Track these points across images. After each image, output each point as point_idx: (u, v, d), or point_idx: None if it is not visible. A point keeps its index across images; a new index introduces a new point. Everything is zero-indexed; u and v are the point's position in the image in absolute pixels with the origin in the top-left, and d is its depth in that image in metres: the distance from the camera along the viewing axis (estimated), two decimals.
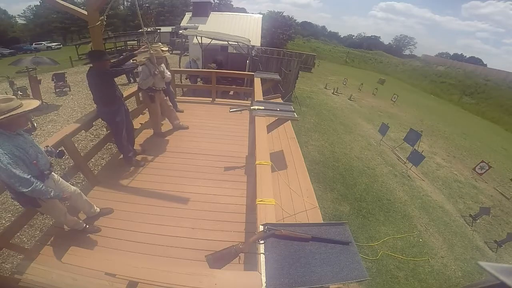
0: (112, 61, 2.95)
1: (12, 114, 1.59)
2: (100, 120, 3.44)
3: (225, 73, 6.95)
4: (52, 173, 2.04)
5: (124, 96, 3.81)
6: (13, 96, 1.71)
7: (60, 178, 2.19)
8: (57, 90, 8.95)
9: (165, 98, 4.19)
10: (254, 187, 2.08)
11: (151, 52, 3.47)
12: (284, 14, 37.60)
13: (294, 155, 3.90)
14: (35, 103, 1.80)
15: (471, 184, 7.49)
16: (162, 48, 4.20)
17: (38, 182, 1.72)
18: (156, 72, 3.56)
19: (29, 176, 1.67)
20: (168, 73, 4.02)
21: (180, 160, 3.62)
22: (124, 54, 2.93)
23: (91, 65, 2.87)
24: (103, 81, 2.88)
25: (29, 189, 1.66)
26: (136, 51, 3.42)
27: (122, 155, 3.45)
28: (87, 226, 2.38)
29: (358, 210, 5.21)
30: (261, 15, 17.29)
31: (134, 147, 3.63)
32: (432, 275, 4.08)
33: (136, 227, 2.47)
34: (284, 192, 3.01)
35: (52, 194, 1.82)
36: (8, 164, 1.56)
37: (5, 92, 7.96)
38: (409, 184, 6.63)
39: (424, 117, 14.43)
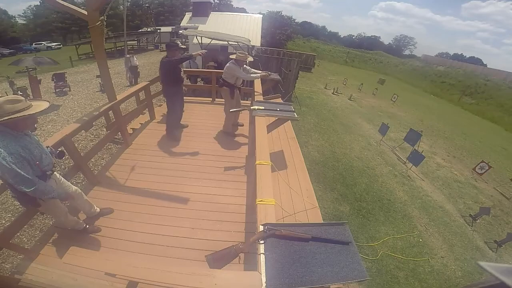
0: (175, 58, 3.64)
1: (17, 117, 1.58)
2: (100, 120, 3.48)
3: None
4: (55, 172, 2.04)
5: (124, 96, 3.88)
6: (22, 98, 1.68)
7: (62, 178, 2.19)
8: (57, 90, 8.96)
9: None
10: (254, 187, 2.07)
11: (240, 55, 4.00)
12: (283, 13, 37.67)
13: (294, 155, 3.90)
14: (44, 105, 1.78)
15: (471, 184, 7.49)
16: (182, 46, 4.54)
17: (41, 182, 1.73)
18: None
19: (32, 176, 1.68)
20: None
21: (180, 160, 3.62)
22: (184, 55, 4.05)
23: (166, 53, 3.66)
24: (172, 67, 3.64)
25: (32, 189, 1.66)
26: (194, 54, 4.09)
27: (166, 129, 4.12)
28: (87, 226, 2.38)
29: (358, 210, 5.21)
30: (261, 15, 17.29)
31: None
32: (432, 275, 4.08)
33: (136, 227, 2.47)
34: (284, 192, 3.01)
35: (53, 194, 1.82)
36: (13, 164, 1.56)
37: (5, 92, 7.96)
38: (409, 184, 6.63)
39: (424, 117, 14.43)
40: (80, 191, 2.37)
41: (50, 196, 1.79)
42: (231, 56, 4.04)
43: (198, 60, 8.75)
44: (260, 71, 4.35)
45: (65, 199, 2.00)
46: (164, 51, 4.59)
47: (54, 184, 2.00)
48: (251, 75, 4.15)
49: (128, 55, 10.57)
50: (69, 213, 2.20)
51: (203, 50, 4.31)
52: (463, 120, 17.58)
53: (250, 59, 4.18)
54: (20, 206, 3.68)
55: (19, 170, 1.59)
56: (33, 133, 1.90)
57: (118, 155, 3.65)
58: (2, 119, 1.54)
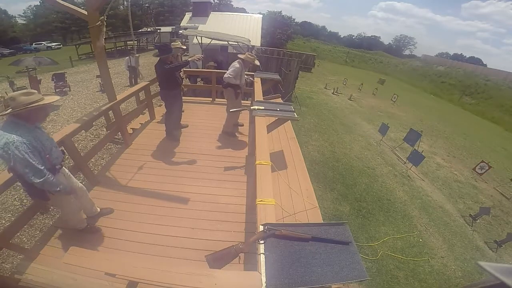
0: (172, 65, 3.56)
1: (32, 106, 1.67)
2: (100, 120, 3.48)
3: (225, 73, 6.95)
4: (63, 167, 2.08)
5: (124, 96, 3.88)
6: (35, 91, 1.80)
7: (70, 174, 2.22)
8: (57, 90, 8.96)
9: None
10: (254, 187, 2.07)
11: (249, 57, 3.95)
12: (283, 14, 37.68)
13: (294, 155, 3.90)
14: (55, 98, 1.93)
15: (471, 184, 7.49)
16: (182, 46, 4.59)
17: (50, 174, 1.77)
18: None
19: (43, 167, 1.72)
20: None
21: (180, 160, 3.62)
22: (181, 62, 3.89)
23: (159, 58, 3.57)
24: (167, 71, 3.51)
25: (41, 180, 1.70)
26: (190, 59, 4.13)
27: (165, 130, 4.09)
28: (88, 225, 2.38)
29: (358, 210, 5.21)
30: (261, 15, 17.30)
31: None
32: (432, 275, 4.08)
33: (136, 227, 2.47)
34: (284, 192, 3.01)
35: (61, 187, 1.86)
36: (25, 154, 1.61)
37: (6, 92, 7.97)
38: (409, 184, 6.63)
39: (424, 117, 14.43)
40: (85, 188, 2.40)
41: (57, 189, 1.83)
42: (239, 55, 4.01)
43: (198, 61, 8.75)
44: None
45: (70, 193, 2.03)
46: None
47: (63, 179, 2.03)
48: (230, 78, 3.95)
49: (137, 54, 10.26)
50: None
51: (200, 55, 4.30)
52: (463, 120, 17.58)
53: (257, 63, 4.15)
54: (21, 205, 3.70)
55: (31, 160, 1.64)
56: None
57: (118, 155, 3.65)
58: (18, 109, 1.63)
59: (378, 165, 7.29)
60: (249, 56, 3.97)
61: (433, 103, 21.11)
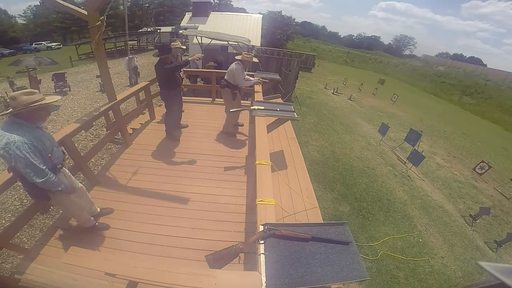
0: (172, 65, 3.56)
1: (34, 106, 1.67)
2: (100, 120, 3.47)
3: (225, 73, 6.95)
4: (64, 168, 2.08)
5: (124, 96, 3.88)
6: (36, 90, 1.80)
7: (70, 174, 2.23)
8: (57, 90, 8.95)
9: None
10: (254, 187, 2.07)
11: (246, 56, 3.93)
12: (283, 14, 37.71)
13: (294, 155, 3.90)
14: (56, 98, 1.94)
15: (471, 184, 7.49)
16: (182, 46, 4.62)
17: (51, 174, 1.77)
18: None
19: (44, 167, 1.72)
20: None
21: (180, 160, 3.61)
22: (181, 62, 3.81)
23: (159, 58, 3.57)
24: (167, 71, 3.51)
25: (42, 180, 1.70)
26: (190, 58, 4.10)
27: (165, 130, 4.09)
28: (97, 223, 2.39)
29: (358, 210, 5.21)
30: (261, 15, 17.31)
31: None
32: (432, 275, 4.08)
33: (136, 227, 2.47)
34: (284, 192, 3.00)
35: (62, 187, 1.86)
36: (27, 153, 1.62)
37: (6, 92, 7.97)
38: (409, 184, 6.63)
39: (424, 117, 14.44)
40: (84, 188, 2.40)
41: (58, 188, 1.83)
42: (236, 57, 3.99)
43: (198, 61, 8.76)
44: (253, 78, 4.34)
45: (71, 192, 2.04)
46: None
47: (63, 178, 2.03)
48: (247, 82, 4.13)
49: (131, 56, 10.37)
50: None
51: (200, 55, 4.31)
52: (463, 120, 17.59)
53: (256, 60, 4.13)
54: (21, 205, 3.70)
55: (32, 160, 1.64)
56: None
57: (118, 155, 3.65)
58: (19, 109, 1.63)
59: (378, 165, 7.30)
60: (246, 55, 3.95)
61: (433, 103, 21.12)
